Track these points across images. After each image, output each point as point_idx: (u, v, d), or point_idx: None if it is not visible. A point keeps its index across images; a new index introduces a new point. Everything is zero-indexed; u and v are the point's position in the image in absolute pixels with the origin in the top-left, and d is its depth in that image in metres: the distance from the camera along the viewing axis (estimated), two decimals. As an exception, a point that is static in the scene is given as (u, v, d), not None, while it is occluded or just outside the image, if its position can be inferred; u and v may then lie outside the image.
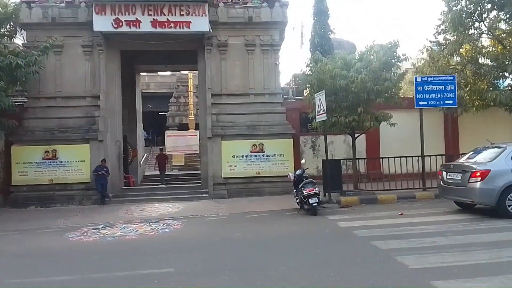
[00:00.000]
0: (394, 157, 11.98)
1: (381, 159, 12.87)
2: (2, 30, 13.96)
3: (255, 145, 14.31)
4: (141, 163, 18.87)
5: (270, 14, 14.92)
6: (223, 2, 14.87)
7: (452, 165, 9.23)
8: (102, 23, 13.74)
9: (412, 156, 12.00)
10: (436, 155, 12.09)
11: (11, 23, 14.15)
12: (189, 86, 26.38)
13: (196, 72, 17.20)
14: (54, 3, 14.46)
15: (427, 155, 12.00)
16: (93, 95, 14.36)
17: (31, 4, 14.37)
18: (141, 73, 21.27)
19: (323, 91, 11.56)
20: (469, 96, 13.98)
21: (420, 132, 12.11)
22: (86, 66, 14.49)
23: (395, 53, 12.26)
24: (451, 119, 15.56)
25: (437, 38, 15.07)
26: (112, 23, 13.69)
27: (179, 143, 20.08)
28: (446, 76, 12.40)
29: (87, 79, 14.45)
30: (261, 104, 14.87)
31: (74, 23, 14.39)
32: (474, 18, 14.10)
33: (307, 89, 14.61)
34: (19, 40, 15.88)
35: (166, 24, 13.86)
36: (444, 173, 9.20)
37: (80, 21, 14.30)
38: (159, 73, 29.10)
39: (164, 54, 16.71)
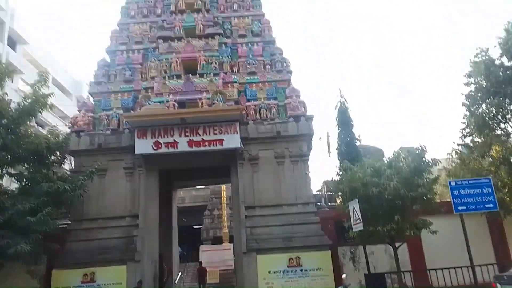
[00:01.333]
0: (442, 269, 11.20)
1: (428, 271, 12.04)
2: (53, 158, 15.15)
3: (292, 259, 13.82)
4: (176, 282, 18.33)
5: (296, 127, 15.70)
6: (252, 120, 15.88)
7: (505, 277, 8.56)
8: (143, 146, 14.75)
9: (461, 267, 11.17)
10: (487, 265, 11.22)
11: (61, 151, 15.40)
12: (223, 198, 26.80)
13: (229, 183, 17.64)
14: (101, 131, 15.82)
15: (477, 265, 11.15)
16: (132, 215, 14.75)
17: (80, 133, 15.74)
18: (178, 190, 21.89)
19: (356, 199, 11.51)
20: (510, 198, 13.43)
21: (465, 240, 11.40)
22: (127, 187, 15.18)
23: (424, 158, 12.35)
24: (496, 223, 14.69)
25: (464, 141, 15.12)
26: (152, 145, 14.69)
27: (214, 259, 19.64)
28: (481, 179, 12.10)
29: (127, 199, 15.01)
30: (294, 215, 14.74)
31: (118, 148, 15.50)
32: (498, 119, 14.26)
33: (340, 197, 14.53)
34: (66, 165, 17.12)
35: (201, 143, 14.74)
36: (499, 286, 8.48)
37: (123, 145, 15.41)
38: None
39: (199, 170, 17.43)
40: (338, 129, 19.58)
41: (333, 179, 16.58)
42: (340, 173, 13.46)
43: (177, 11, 18.36)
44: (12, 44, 26.91)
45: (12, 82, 18.46)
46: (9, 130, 13.36)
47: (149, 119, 14.64)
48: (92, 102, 16.78)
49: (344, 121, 19.46)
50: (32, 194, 12.94)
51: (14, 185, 14.79)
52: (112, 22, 21.29)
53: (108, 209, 14.87)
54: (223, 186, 26.64)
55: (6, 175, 13.76)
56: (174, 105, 15.80)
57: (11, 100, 13.93)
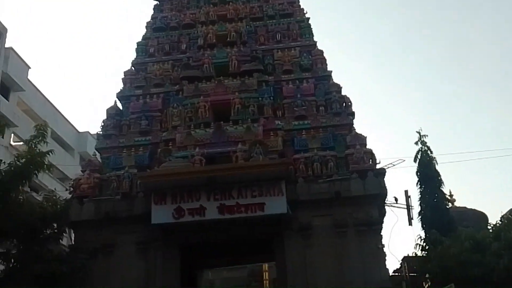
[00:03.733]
0: None
1: None
2: (48, 232, 15.51)
3: None
4: None
5: (362, 186, 15.36)
6: (302, 177, 15.70)
7: None
8: (161, 214, 14.98)
9: None
10: None
11: (59, 223, 15.78)
12: (264, 281, 26.24)
13: (273, 262, 17.29)
14: (109, 197, 16.10)
15: None
16: (145, 304, 14.73)
17: (83, 199, 16.10)
18: (204, 270, 21.74)
19: (452, 285, 11.04)
20: None
21: None
22: (139, 268, 15.22)
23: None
24: None
25: None
26: (173, 213, 14.88)
27: None
28: None
29: (140, 283, 15.01)
30: (364, 307, 14.17)
31: (129, 217, 15.73)
32: None
33: (428, 280, 14.02)
34: (64, 239, 17.51)
35: (235, 208, 14.84)
36: None
37: (135, 214, 15.63)
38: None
39: (233, 244, 17.23)
40: (420, 187, 19.14)
41: (417, 256, 16.06)
42: (427, 247, 13.11)
43: (206, 46, 19.23)
44: (4, 91, 29.00)
45: (3, 137, 19.50)
46: (-4, 199, 13.94)
47: (169, 179, 14.98)
48: (100, 160, 17.47)
49: (428, 175, 19.05)
50: (22, 278, 13.23)
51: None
52: (126, 61, 22.59)
53: (116, 295, 14.91)
54: (265, 266, 26.17)
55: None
56: (201, 160, 16.07)
57: (0, 160, 14.67)
